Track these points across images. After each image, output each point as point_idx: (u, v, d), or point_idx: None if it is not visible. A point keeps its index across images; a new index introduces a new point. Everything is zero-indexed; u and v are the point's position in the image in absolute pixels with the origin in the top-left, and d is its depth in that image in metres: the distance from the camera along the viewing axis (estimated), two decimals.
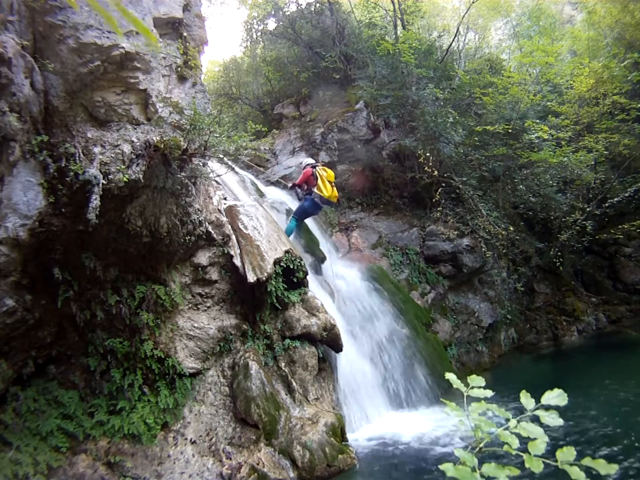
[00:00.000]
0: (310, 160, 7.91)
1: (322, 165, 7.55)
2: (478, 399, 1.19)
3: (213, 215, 5.85)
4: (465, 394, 1.20)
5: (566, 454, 1.03)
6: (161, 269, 5.25)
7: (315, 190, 7.09)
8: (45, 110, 4.09)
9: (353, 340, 6.76)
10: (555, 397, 1.14)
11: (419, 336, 7.58)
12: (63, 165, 4.05)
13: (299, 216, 7.47)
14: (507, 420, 1.13)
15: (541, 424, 1.11)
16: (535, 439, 1.08)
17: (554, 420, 1.10)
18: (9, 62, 3.58)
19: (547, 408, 1.13)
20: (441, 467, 1.00)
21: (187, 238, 5.29)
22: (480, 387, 1.21)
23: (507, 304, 10.02)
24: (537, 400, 1.15)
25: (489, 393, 1.19)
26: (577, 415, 5.50)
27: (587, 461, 0.99)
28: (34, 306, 4.18)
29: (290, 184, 7.97)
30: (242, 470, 4.53)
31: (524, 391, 1.17)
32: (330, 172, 7.30)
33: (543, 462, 1.03)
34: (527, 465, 1.02)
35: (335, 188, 7.22)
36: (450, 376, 1.24)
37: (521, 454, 1.06)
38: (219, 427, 5.01)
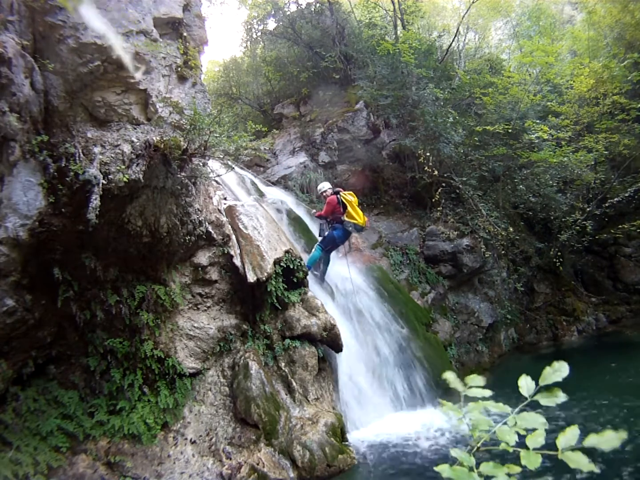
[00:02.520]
0: (327, 185, 7.38)
1: (344, 191, 7.11)
2: (476, 399, 1.18)
3: (213, 215, 5.85)
4: (462, 394, 1.19)
5: (568, 437, 0.97)
6: (161, 269, 5.25)
7: (346, 218, 6.76)
8: (45, 110, 4.10)
9: (353, 341, 6.76)
10: (555, 371, 1.05)
11: (418, 336, 7.58)
12: (63, 165, 4.06)
13: (326, 246, 6.94)
14: (506, 415, 1.11)
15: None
16: (535, 429, 1.04)
17: (557, 398, 1.03)
18: (9, 62, 3.58)
19: (548, 388, 1.05)
20: (436, 468, 0.99)
21: (187, 238, 5.29)
22: (478, 387, 1.19)
23: (507, 304, 10.02)
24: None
25: (487, 392, 1.18)
26: (577, 415, 5.51)
27: (590, 439, 0.91)
28: (34, 306, 4.19)
29: (315, 213, 7.49)
30: (242, 470, 4.53)
31: (523, 375, 1.10)
32: (355, 197, 6.99)
33: (542, 454, 0.98)
34: (522, 462, 0.99)
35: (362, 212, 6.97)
36: (448, 375, 1.23)
37: (519, 450, 1.03)
38: (219, 427, 5.01)
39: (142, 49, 4.50)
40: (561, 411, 5.53)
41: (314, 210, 7.79)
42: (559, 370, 1.04)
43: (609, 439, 0.90)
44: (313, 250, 6.99)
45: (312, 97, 11.87)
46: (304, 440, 4.85)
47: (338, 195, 6.89)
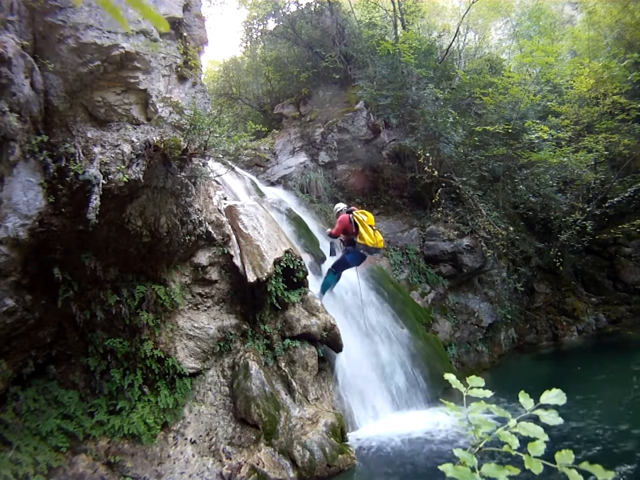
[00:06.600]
0: (343, 205, 6.92)
1: (360, 209, 6.65)
2: (477, 399, 1.19)
3: (213, 215, 5.86)
4: (464, 394, 1.20)
5: (565, 457, 1.03)
6: (161, 269, 5.25)
7: (358, 240, 6.24)
8: (45, 110, 4.10)
9: (353, 340, 6.76)
10: (554, 396, 1.14)
11: (418, 336, 7.58)
12: (63, 165, 4.05)
13: (338, 271, 6.67)
14: (507, 420, 1.13)
15: (541, 424, 1.11)
16: (535, 439, 1.08)
17: (553, 419, 1.10)
18: (9, 62, 3.58)
19: (546, 408, 1.13)
20: (441, 467, 0.99)
21: (187, 238, 5.29)
22: (479, 388, 1.21)
23: (507, 304, 10.02)
24: (536, 400, 1.15)
25: (488, 393, 1.19)
26: (577, 415, 5.50)
27: (585, 465, 1.00)
28: (34, 306, 4.18)
29: (328, 232, 6.91)
30: (242, 470, 4.53)
31: (522, 392, 1.17)
32: (370, 216, 6.43)
33: (543, 463, 1.03)
34: (527, 467, 1.02)
35: (378, 233, 6.43)
36: (450, 376, 1.24)
37: (521, 454, 1.06)
38: (219, 427, 5.01)
39: (142, 49, 4.49)
40: (561, 413, 5.52)
41: (328, 229, 7.22)
42: (557, 397, 1.14)
43: (601, 471, 1.00)
44: (325, 275, 6.67)
45: (312, 97, 11.87)
46: (304, 440, 4.84)
47: (350, 215, 6.41)
